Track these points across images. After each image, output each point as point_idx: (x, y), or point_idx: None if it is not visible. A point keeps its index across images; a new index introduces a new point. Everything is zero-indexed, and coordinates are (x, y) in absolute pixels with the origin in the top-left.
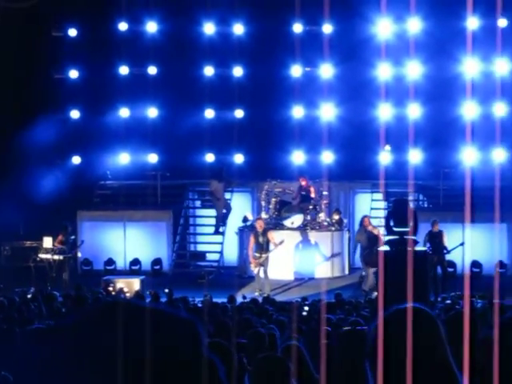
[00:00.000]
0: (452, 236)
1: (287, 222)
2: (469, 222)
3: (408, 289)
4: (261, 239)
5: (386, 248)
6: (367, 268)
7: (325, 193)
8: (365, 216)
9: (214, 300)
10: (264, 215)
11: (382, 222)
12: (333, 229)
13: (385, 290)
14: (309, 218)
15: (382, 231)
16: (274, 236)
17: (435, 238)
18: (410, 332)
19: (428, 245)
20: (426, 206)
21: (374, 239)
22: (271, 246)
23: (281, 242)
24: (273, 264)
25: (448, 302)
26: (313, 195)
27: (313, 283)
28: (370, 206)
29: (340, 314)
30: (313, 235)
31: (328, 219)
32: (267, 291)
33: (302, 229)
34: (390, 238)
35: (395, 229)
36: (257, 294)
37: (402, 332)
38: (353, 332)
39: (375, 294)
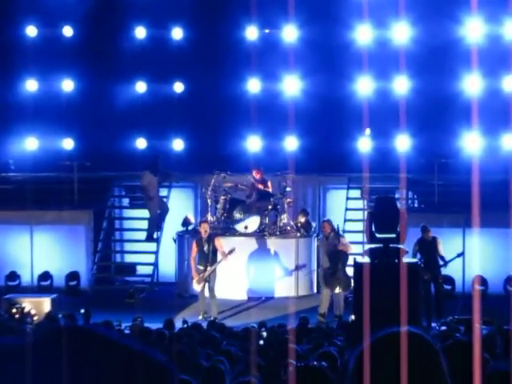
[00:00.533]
0: (449, 244)
1: (240, 226)
2: (472, 226)
3: (396, 311)
4: (206, 248)
5: (367, 260)
6: (325, 289)
7: (288, 189)
8: (324, 221)
9: (147, 325)
10: (210, 217)
11: (362, 226)
12: (298, 235)
13: (366, 313)
14: (267, 220)
15: (349, 242)
16: (223, 244)
17: (428, 247)
18: (404, 364)
19: (419, 256)
20: (416, 206)
21: (337, 254)
22: (219, 257)
23: (231, 252)
24: (221, 279)
25: (444, 328)
26: (270, 191)
27: (272, 304)
28: (345, 206)
29: (307, 343)
30: (272, 243)
31: (292, 222)
32: (214, 314)
33: (259, 235)
34: (372, 246)
35: (378, 235)
36: (200, 317)
37: (394, 364)
38: (316, 370)
39: (352, 317)
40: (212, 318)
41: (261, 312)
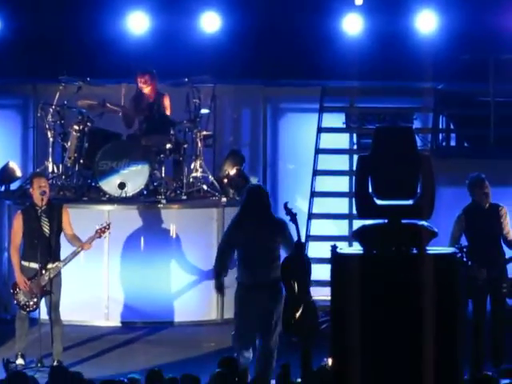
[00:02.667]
0: None
1: (110, 185)
2: None
3: (409, 356)
4: (44, 227)
5: (355, 250)
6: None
7: (204, 111)
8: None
9: None
10: (53, 168)
11: (348, 185)
12: (223, 200)
13: (353, 356)
14: (163, 174)
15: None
16: (78, 220)
17: (482, 225)
18: None
19: (464, 243)
20: (454, 144)
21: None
22: (76, 246)
23: (100, 232)
24: (73, 290)
25: (506, 382)
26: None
27: (172, 336)
28: (314, 145)
29: None
30: (173, 217)
31: (212, 178)
32: (56, 353)
33: (148, 201)
34: (366, 223)
35: (379, 201)
36: (19, 361)
37: None
38: None
39: (328, 361)
40: (54, 362)
41: (150, 351)
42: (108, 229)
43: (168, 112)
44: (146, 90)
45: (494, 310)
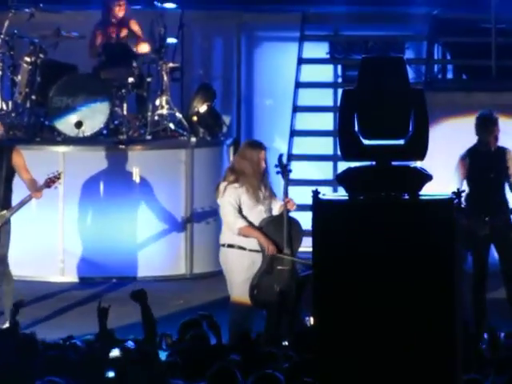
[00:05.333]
0: None
1: (66, 124)
2: None
3: (402, 314)
4: None
5: (340, 196)
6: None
7: (170, 40)
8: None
9: None
10: (1, 105)
11: (332, 123)
12: (193, 140)
13: (336, 313)
14: (125, 111)
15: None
16: (31, 163)
17: (487, 169)
18: None
19: (466, 187)
20: (451, 76)
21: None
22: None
23: (51, 181)
24: (25, 243)
25: None
26: (144, 49)
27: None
28: (295, 78)
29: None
30: (136, 159)
31: (179, 115)
32: (7, 305)
33: (108, 142)
34: (352, 165)
35: (366, 141)
36: None
37: None
38: None
39: (310, 320)
40: (6, 322)
41: (110, 310)
42: (58, 178)
43: (141, 40)
44: (121, 14)
45: (505, 260)
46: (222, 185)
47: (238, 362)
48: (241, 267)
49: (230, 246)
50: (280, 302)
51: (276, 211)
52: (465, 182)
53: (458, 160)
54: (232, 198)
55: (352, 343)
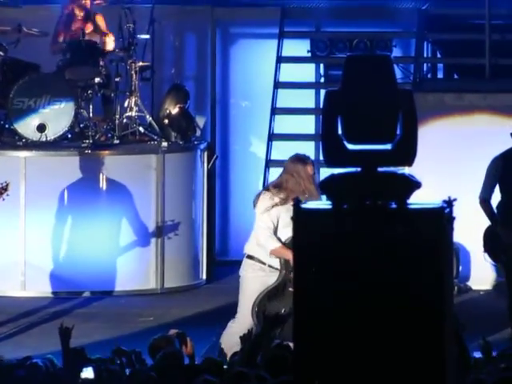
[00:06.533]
0: None
1: (27, 127)
2: None
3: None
4: None
5: (320, 205)
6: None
7: (143, 36)
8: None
9: None
10: None
11: (313, 127)
12: (164, 145)
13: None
14: (91, 113)
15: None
16: None
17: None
18: None
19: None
20: (442, 76)
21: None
22: None
23: (2, 190)
24: None
25: None
26: (110, 45)
27: (102, 309)
28: (274, 78)
29: None
30: (103, 165)
31: (150, 118)
32: None
33: (73, 147)
34: (336, 172)
35: (350, 145)
36: None
37: None
38: None
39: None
40: None
41: (76, 327)
42: (6, 190)
43: (108, 36)
44: (86, 8)
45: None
46: (265, 202)
47: (211, 382)
48: (254, 281)
49: (250, 257)
50: (281, 325)
51: None
52: (497, 189)
53: (489, 164)
54: (270, 220)
55: (333, 361)
